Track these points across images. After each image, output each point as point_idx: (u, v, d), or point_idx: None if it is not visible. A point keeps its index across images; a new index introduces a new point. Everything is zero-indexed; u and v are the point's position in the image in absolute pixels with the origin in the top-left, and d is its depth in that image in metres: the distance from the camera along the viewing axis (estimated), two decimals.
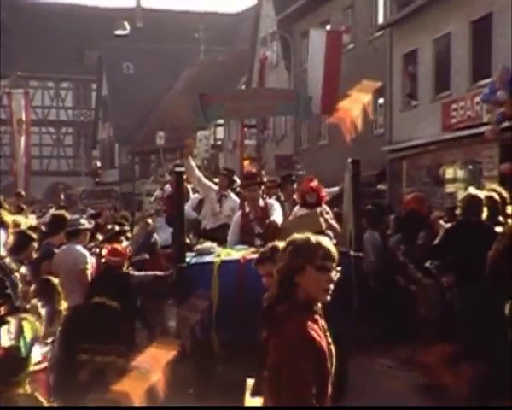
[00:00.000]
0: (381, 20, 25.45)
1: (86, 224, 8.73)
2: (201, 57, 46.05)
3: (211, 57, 44.45)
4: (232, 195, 9.50)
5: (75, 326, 7.33)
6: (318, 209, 8.20)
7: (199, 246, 7.78)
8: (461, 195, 12.21)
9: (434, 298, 7.71)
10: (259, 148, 11.00)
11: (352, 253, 7.38)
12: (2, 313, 5.38)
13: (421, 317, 7.98)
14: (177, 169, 7.72)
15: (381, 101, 25.63)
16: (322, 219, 7.92)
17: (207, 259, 7.41)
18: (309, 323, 3.20)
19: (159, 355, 4.00)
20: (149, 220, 12.20)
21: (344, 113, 7.55)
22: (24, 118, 23.50)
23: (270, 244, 4.77)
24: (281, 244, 4.16)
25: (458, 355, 5.85)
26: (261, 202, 8.42)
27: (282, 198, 9.68)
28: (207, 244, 7.73)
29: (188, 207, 10.35)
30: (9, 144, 44.48)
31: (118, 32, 44.58)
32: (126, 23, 44.93)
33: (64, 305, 7.31)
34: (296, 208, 8.65)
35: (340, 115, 7.66)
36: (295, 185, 9.83)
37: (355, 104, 7.48)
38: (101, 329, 7.25)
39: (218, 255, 7.46)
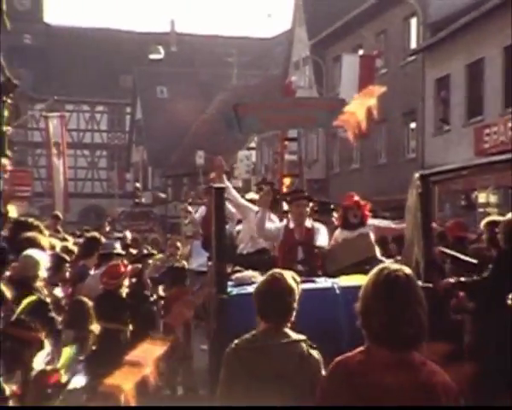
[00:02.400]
0: (413, 45, 25.54)
1: (119, 248, 8.80)
2: (234, 81, 46.45)
3: (243, 81, 44.82)
4: (274, 217, 8.30)
5: (91, 353, 7.38)
6: (366, 230, 7.43)
7: (238, 274, 6.83)
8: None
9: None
10: (301, 163, 9.97)
11: (420, 284, 6.59)
12: (43, 337, 5.51)
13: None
14: (217, 185, 6.65)
15: (413, 125, 25.67)
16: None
17: (250, 290, 6.20)
18: None
19: (151, 350, 4.11)
20: (178, 244, 12.21)
21: (349, 116, 7.53)
22: (60, 141, 23.86)
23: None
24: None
25: (457, 354, 5.64)
26: (308, 223, 7.38)
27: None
28: (248, 273, 6.79)
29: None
30: (46, 167, 45.33)
31: (152, 57, 45.13)
32: (161, 47, 45.49)
33: (96, 327, 7.43)
34: (337, 232, 7.66)
35: (345, 118, 7.63)
36: (333, 216, 8.79)
37: (360, 108, 7.46)
38: (109, 354, 7.24)
39: None
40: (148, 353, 4.08)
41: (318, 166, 32.27)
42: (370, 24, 27.36)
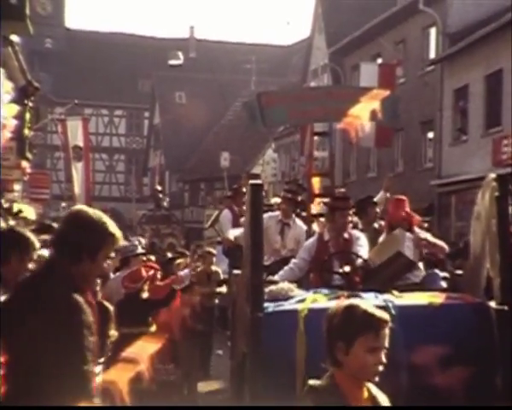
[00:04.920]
0: (432, 55, 25.57)
1: (138, 249, 8.88)
2: (252, 88, 46.54)
3: (262, 88, 44.67)
4: (298, 221, 7.79)
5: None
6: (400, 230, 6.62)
7: (272, 287, 5.82)
8: None
9: None
10: (332, 161, 9.18)
11: (493, 305, 5.32)
12: None
13: None
14: (253, 182, 5.75)
15: (430, 135, 25.68)
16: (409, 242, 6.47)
17: (289, 306, 5.47)
18: None
19: (146, 346, 4.18)
20: (212, 250, 12.13)
21: (353, 119, 7.46)
22: (82, 144, 24.02)
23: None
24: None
25: (451, 357, 4.99)
26: (345, 233, 6.69)
27: (360, 226, 7.80)
28: (284, 285, 5.85)
29: (227, 221, 9.47)
30: (64, 170, 45.65)
31: (171, 62, 45.36)
32: (180, 53, 45.72)
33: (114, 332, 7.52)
34: (382, 239, 6.98)
35: (349, 121, 7.55)
36: (377, 209, 8.17)
37: (363, 111, 7.38)
38: None
39: (302, 301, 5.50)
40: (143, 349, 4.16)
41: (335, 173, 32.28)
42: (389, 33, 27.41)
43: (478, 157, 21.28)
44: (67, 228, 3.32)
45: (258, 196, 5.42)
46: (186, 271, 10.51)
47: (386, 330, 2.97)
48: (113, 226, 3.35)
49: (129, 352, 4.11)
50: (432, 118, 24.81)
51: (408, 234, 6.63)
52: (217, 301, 11.70)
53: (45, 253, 6.75)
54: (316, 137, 9.11)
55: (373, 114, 7.45)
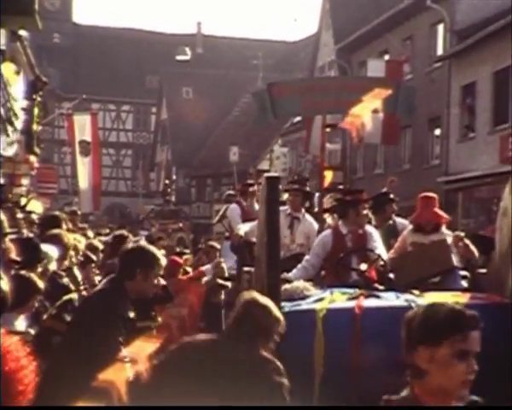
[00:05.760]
0: (440, 51, 25.55)
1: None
2: (259, 84, 46.51)
3: None
4: (308, 216, 7.55)
5: None
6: (442, 236, 6.21)
7: (287, 285, 5.54)
8: None
9: None
10: (344, 154, 9.15)
11: None
12: None
13: None
14: (269, 175, 5.45)
15: (437, 132, 25.67)
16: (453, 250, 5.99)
17: (306, 305, 5.21)
18: None
19: (144, 347, 4.21)
20: (216, 245, 12.11)
21: (354, 118, 7.38)
22: (90, 139, 24.07)
23: None
24: None
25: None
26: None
27: (374, 223, 7.42)
28: (299, 284, 5.59)
29: (236, 215, 9.36)
30: (70, 165, 45.82)
31: (179, 58, 45.37)
32: (187, 49, 45.69)
33: None
34: (406, 233, 6.55)
35: (351, 121, 7.46)
36: (394, 206, 7.98)
37: (365, 111, 7.28)
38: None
39: (320, 300, 5.24)
40: (142, 349, 4.17)
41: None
42: (397, 30, 27.39)
43: (485, 154, 21.28)
44: (246, 313, 4.02)
45: (275, 191, 5.10)
46: (208, 266, 10.46)
47: (477, 333, 2.56)
48: (278, 311, 4.09)
49: (128, 352, 4.12)
50: (439, 115, 24.80)
51: (448, 235, 6.28)
52: (223, 296, 11.64)
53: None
54: (327, 130, 8.76)
55: (375, 112, 7.43)
